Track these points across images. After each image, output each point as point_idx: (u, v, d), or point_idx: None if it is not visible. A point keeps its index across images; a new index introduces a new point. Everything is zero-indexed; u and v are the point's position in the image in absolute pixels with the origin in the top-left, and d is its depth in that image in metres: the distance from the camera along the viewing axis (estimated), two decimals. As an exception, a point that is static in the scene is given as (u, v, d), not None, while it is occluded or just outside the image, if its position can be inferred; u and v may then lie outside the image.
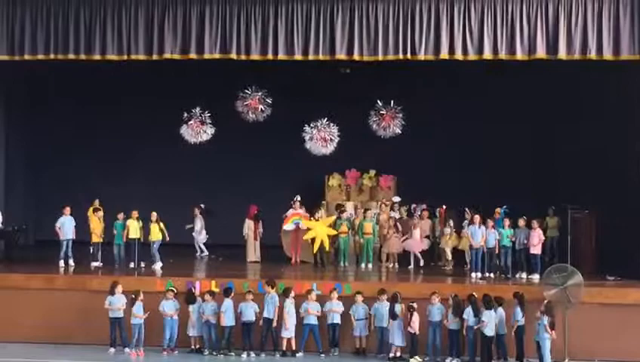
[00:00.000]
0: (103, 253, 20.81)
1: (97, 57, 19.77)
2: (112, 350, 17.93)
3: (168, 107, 22.61)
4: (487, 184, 22.86)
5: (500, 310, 17.32)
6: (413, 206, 21.97)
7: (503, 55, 18.96)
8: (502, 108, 23.43)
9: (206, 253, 23.05)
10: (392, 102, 21.58)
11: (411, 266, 21.17)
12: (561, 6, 18.79)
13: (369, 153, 23.06)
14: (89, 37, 19.65)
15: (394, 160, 23.09)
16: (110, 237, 20.85)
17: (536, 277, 19.19)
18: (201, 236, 22.92)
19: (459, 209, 21.26)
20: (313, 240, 21.15)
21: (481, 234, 19.66)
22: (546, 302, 17.09)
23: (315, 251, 21.20)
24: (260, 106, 21.39)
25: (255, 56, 19.48)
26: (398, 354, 17.59)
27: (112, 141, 24.88)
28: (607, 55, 18.72)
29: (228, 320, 17.75)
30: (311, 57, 19.43)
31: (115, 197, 22.02)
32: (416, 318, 17.43)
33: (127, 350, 17.87)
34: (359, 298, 17.88)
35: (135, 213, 20.55)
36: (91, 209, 21.23)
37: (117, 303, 17.84)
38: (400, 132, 21.69)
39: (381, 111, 21.59)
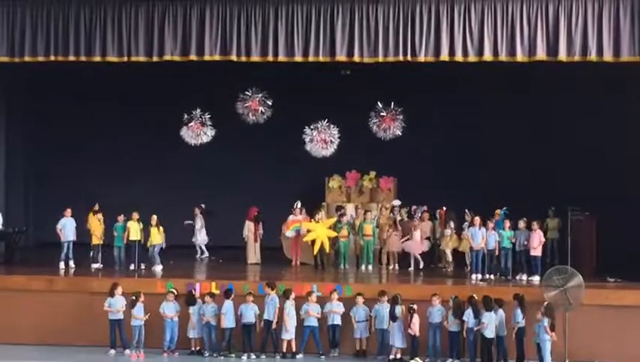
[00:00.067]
0: (103, 254, 20.80)
1: (98, 59, 19.79)
2: (113, 352, 17.93)
3: (168, 109, 22.62)
4: (487, 185, 22.86)
5: (500, 312, 17.30)
6: (414, 208, 21.94)
7: (503, 57, 18.95)
8: (502, 109, 23.43)
9: (206, 254, 23.05)
10: (392, 103, 21.56)
11: (411, 268, 21.17)
12: (562, 7, 18.78)
13: (369, 155, 23.06)
14: (89, 38, 19.66)
15: (394, 161, 23.08)
16: (110, 239, 20.83)
17: (536, 278, 19.16)
18: (201, 235, 22.92)
19: (459, 211, 21.25)
20: (313, 241, 21.15)
21: (481, 236, 19.65)
22: (546, 303, 17.06)
23: (315, 253, 21.19)
24: (260, 108, 21.36)
25: (255, 57, 19.49)
26: (399, 355, 17.57)
27: (112, 143, 24.88)
28: (608, 57, 18.71)
29: (228, 321, 17.75)
30: (311, 59, 19.43)
31: (114, 198, 22.03)
32: (416, 320, 17.42)
33: (127, 351, 17.86)
34: (360, 299, 17.87)
35: (136, 215, 20.54)
36: (91, 211, 21.24)
37: (117, 305, 17.84)
38: (400, 133, 21.67)
39: (381, 113, 21.56)
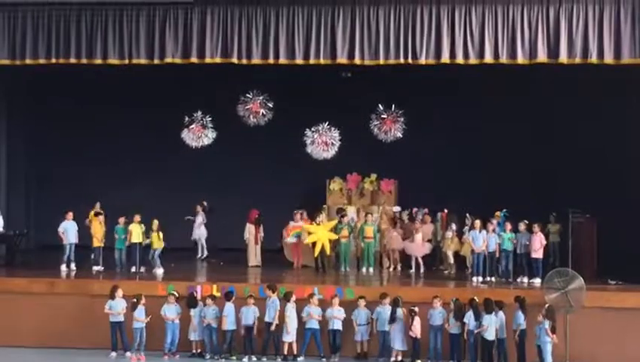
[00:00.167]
0: (104, 257, 20.80)
1: (99, 61, 19.80)
2: (114, 354, 17.93)
3: (169, 111, 22.63)
4: (488, 188, 22.85)
5: (501, 314, 17.30)
6: (414, 210, 21.96)
7: (504, 59, 18.96)
8: (503, 112, 23.43)
9: (206, 253, 23.09)
10: (392, 106, 21.56)
11: (412, 270, 21.18)
12: (562, 10, 18.79)
13: (370, 157, 23.05)
14: (90, 41, 19.65)
15: (395, 164, 23.08)
16: (111, 242, 20.83)
17: (537, 281, 19.16)
18: (200, 230, 22.95)
19: (460, 213, 21.25)
20: (314, 244, 21.15)
21: (482, 239, 19.66)
22: (547, 306, 17.07)
23: (316, 255, 21.20)
24: (261, 110, 21.38)
25: (256, 60, 19.49)
26: (399, 358, 17.57)
27: (113, 145, 24.86)
28: (609, 59, 18.71)
29: (229, 324, 17.77)
30: (312, 61, 19.44)
31: (115, 201, 22.01)
32: (417, 322, 17.42)
33: (128, 354, 17.87)
34: (362, 303, 17.85)
35: (137, 218, 20.52)
36: (92, 213, 21.26)
37: (117, 307, 17.84)
38: (401, 136, 21.67)
39: (382, 116, 21.56)
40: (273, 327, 17.71)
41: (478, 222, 19.84)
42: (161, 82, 22.58)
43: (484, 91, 22.87)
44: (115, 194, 22.87)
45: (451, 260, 20.85)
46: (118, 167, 24.77)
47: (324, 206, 22.71)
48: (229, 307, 17.79)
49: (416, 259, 21.23)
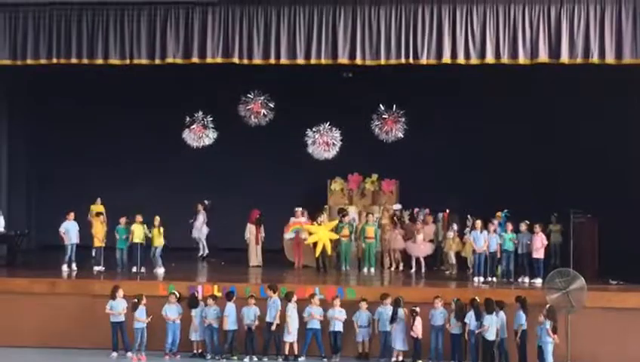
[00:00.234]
0: (105, 257, 20.80)
1: (100, 61, 19.80)
2: (115, 354, 17.92)
3: (171, 111, 22.64)
4: (489, 188, 22.84)
5: (502, 314, 17.29)
6: (415, 210, 21.96)
7: (505, 59, 18.96)
8: (504, 112, 23.42)
9: (207, 251, 23.09)
10: (394, 106, 21.56)
11: (413, 270, 21.17)
12: (564, 10, 18.78)
13: (371, 157, 23.06)
14: (91, 41, 19.65)
15: (396, 164, 23.07)
16: (112, 242, 20.83)
17: (538, 281, 19.16)
18: (202, 230, 22.95)
19: (461, 213, 21.25)
20: (315, 244, 21.15)
21: (483, 239, 19.65)
22: (548, 306, 17.05)
23: (317, 255, 21.19)
24: (262, 110, 21.39)
25: (257, 60, 19.49)
26: (400, 358, 17.56)
27: (114, 145, 24.87)
28: (610, 59, 18.71)
29: (230, 324, 17.77)
30: (313, 61, 19.44)
31: (117, 201, 22.02)
32: (418, 322, 17.41)
33: (129, 354, 17.86)
34: (363, 305, 17.81)
35: (139, 218, 20.52)
36: (94, 213, 21.22)
37: (118, 307, 17.84)
38: (402, 136, 21.67)
39: (383, 116, 21.56)
40: (274, 327, 17.72)
41: (479, 223, 19.84)
42: (162, 82, 22.59)
43: (485, 91, 22.87)
44: (116, 195, 22.86)
45: (452, 260, 20.85)
46: (120, 167, 24.78)
47: (326, 206, 22.72)
48: (230, 307, 17.79)
49: (417, 259, 21.25)
